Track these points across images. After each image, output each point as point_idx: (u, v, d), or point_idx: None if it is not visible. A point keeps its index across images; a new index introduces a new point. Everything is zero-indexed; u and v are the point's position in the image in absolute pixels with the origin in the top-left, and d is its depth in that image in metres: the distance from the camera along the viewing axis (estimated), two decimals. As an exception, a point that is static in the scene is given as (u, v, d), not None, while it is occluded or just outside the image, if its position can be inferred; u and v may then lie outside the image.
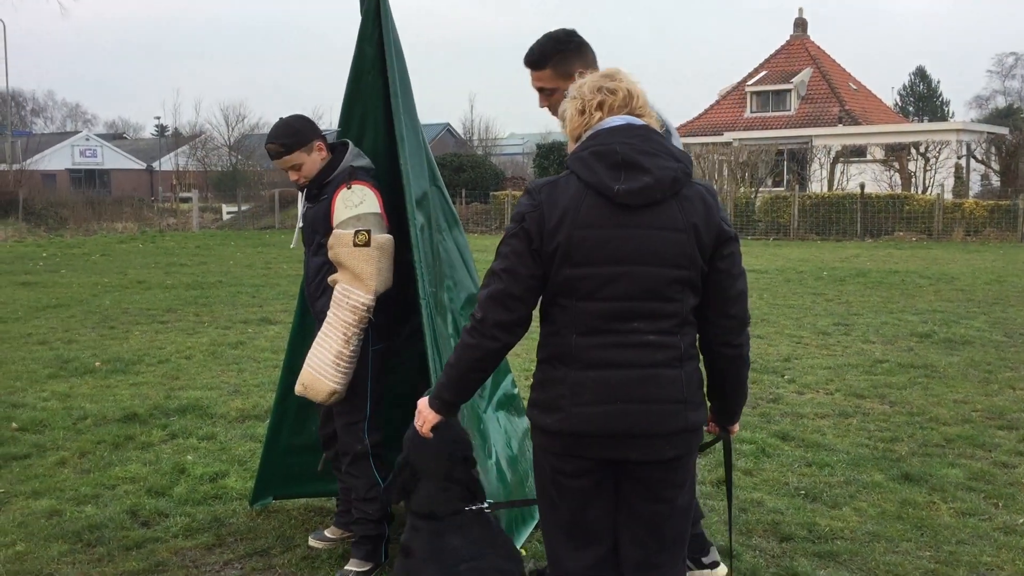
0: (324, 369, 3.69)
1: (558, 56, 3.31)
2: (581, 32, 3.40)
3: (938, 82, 62.74)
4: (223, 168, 48.96)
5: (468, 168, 32.76)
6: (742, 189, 27.78)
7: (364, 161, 3.81)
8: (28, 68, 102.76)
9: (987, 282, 14.22)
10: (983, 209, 24.28)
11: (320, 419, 4.08)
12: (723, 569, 3.74)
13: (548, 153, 31.84)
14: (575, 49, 3.33)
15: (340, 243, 3.63)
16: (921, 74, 62.84)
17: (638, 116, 2.55)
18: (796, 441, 5.75)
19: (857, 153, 31.83)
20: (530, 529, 4.07)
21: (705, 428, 2.73)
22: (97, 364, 8.11)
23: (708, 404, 2.74)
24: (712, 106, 42.40)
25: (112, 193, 45.97)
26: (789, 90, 39.88)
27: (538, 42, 3.35)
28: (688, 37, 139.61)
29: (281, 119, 3.78)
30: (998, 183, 29.98)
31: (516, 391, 4.46)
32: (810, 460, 5.36)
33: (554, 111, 3.42)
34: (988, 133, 32.81)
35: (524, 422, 4.29)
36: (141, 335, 9.78)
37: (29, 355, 8.58)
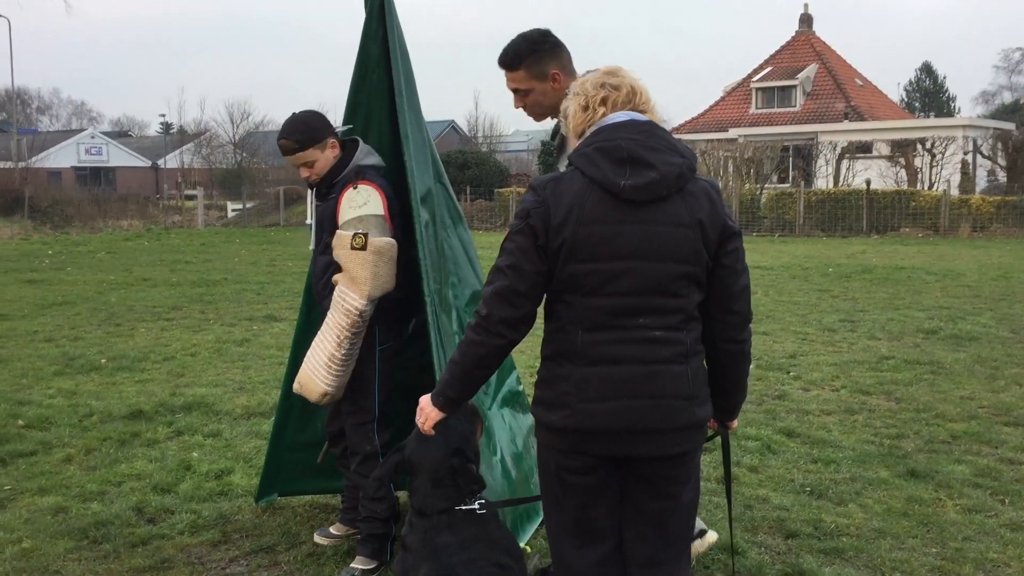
0: (317, 370, 3.69)
1: (532, 57, 3.29)
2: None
3: (944, 78, 62.68)
4: (228, 166, 49.01)
5: (473, 165, 32.76)
6: (747, 185, 27.73)
7: (374, 159, 3.79)
8: (33, 66, 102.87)
9: (994, 278, 14.18)
10: (990, 205, 24.20)
11: (328, 415, 4.08)
12: (713, 535, 3.74)
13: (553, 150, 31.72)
14: (549, 50, 3.31)
15: (340, 244, 3.62)
16: (927, 70, 62.70)
17: (641, 112, 2.55)
18: (802, 438, 5.74)
19: (863, 149, 31.73)
20: (535, 526, 4.07)
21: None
22: (103, 361, 8.13)
23: None
24: (717, 102, 42.32)
25: (117, 191, 46.04)
26: (794, 86, 39.79)
27: (512, 42, 3.31)
28: (693, 33, 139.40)
29: (294, 114, 3.74)
30: (1004, 179, 29.87)
31: (521, 388, 4.46)
32: (816, 457, 5.35)
33: (529, 112, 3.41)
34: (994, 129, 32.66)
35: (529, 419, 4.29)
36: (147, 332, 9.80)
37: (35, 352, 8.60)
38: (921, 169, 28.69)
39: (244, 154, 50.14)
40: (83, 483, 4.94)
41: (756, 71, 42.00)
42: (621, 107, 2.53)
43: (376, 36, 3.77)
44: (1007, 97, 62.36)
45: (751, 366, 2.72)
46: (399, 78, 3.75)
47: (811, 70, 40.14)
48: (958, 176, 29.71)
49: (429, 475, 2.79)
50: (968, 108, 64.14)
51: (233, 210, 37.66)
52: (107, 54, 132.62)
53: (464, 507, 2.77)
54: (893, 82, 73.03)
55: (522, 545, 3.81)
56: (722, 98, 42.43)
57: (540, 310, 2.57)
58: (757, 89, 40.85)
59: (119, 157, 58.72)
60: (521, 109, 3.45)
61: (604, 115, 2.53)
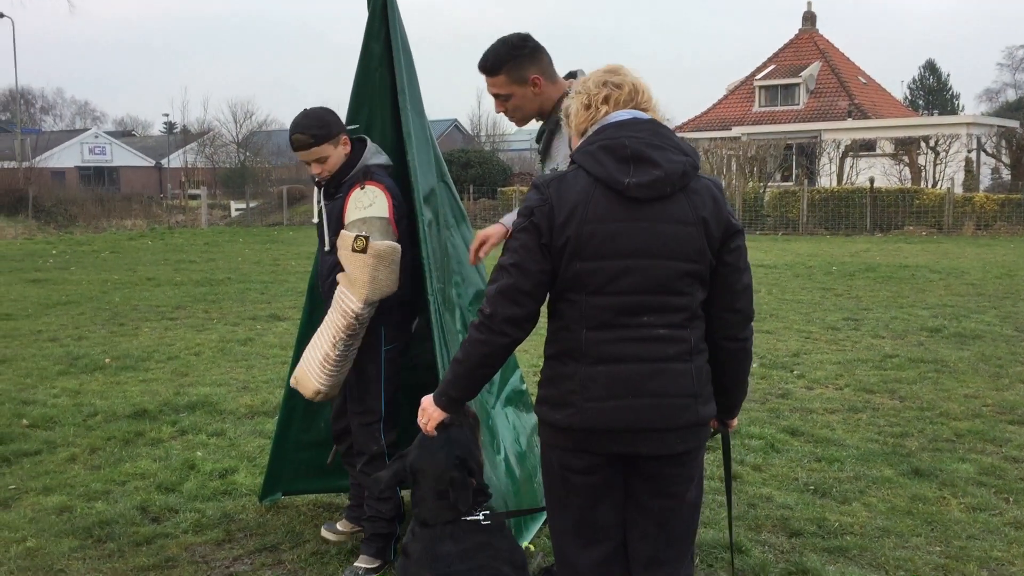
0: (313, 368, 3.69)
1: (512, 62, 3.28)
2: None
3: (948, 75, 62.49)
4: (231, 165, 49.07)
5: (476, 164, 32.75)
6: (751, 184, 27.69)
7: (383, 158, 3.78)
8: (37, 66, 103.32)
9: (998, 276, 14.15)
10: (993, 203, 24.16)
11: (333, 413, 4.08)
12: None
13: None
14: (529, 54, 3.30)
15: (342, 245, 3.61)
16: (931, 67, 62.56)
17: (643, 111, 2.54)
18: (805, 436, 5.74)
19: (866, 147, 31.67)
20: (538, 525, 4.07)
21: None
22: (107, 361, 8.14)
23: None
24: (720, 101, 42.28)
25: (121, 190, 46.12)
26: (798, 84, 39.73)
27: (491, 47, 3.30)
28: (695, 32, 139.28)
29: (307, 110, 3.72)
30: (1009, 177, 29.81)
31: (524, 386, 4.46)
32: (819, 455, 5.34)
33: (511, 116, 3.40)
34: (998, 126, 32.61)
35: (533, 418, 4.28)
36: (150, 332, 9.81)
37: (39, 352, 8.62)
38: (925, 167, 28.63)
39: (247, 153, 50.18)
40: (87, 482, 4.95)
41: (759, 69, 41.95)
42: (623, 105, 2.53)
43: (379, 35, 3.77)
44: (1011, 95, 62.23)
45: (753, 365, 2.72)
46: (402, 77, 3.75)
47: (814, 68, 40.08)
48: (962, 174, 29.66)
49: (432, 485, 2.75)
50: (972, 106, 64.04)
51: (236, 209, 37.71)
52: (110, 54, 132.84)
53: (469, 519, 2.75)
54: (897, 80, 73.01)
55: (526, 544, 3.82)
56: (725, 96, 42.39)
57: (542, 308, 2.57)
58: (760, 87, 40.80)
59: (123, 157, 58.80)
60: (503, 114, 3.45)
61: (607, 113, 2.53)
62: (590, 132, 2.54)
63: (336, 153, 3.69)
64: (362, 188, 3.65)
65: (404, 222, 3.72)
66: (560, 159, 3.36)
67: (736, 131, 36.33)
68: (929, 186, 27.35)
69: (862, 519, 4.38)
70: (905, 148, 29.62)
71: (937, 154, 28.27)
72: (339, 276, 3.66)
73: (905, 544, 4.11)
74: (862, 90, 40.34)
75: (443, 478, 2.74)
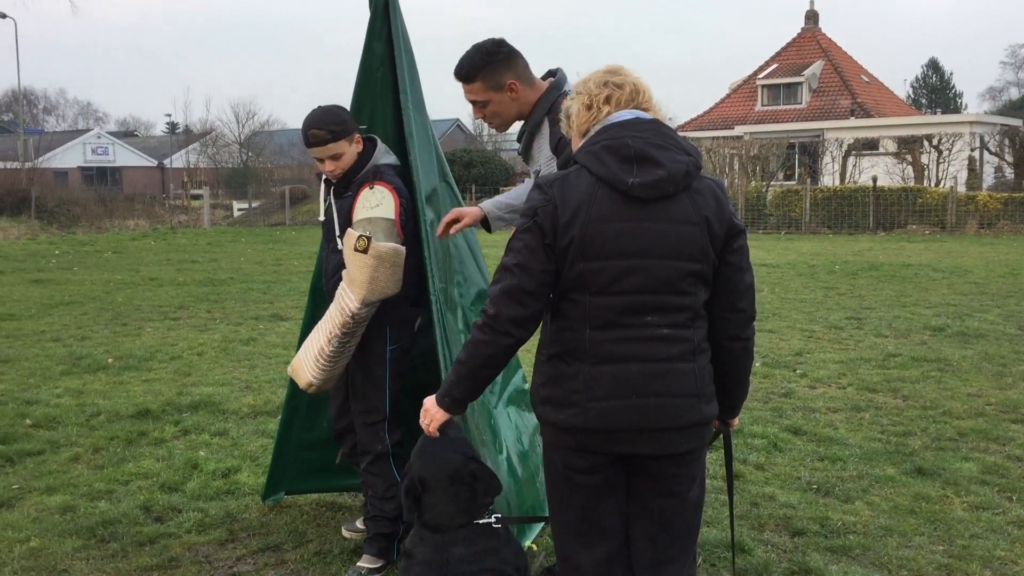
0: (308, 360, 3.73)
1: (487, 69, 3.27)
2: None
3: (951, 74, 62.44)
4: (234, 165, 49.09)
5: (478, 164, 32.77)
6: (753, 183, 27.68)
7: (391, 158, 3.79)
8: (39, 66, 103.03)
9: (1001, 275, 14.14)
10: (997, 202, 24.13)
11: (334, 412, 4.08)
12: None
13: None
14: (504, 60, 3.29)
15: (346, 243, 3.62)
16: (934, 66, 62.49)
17: (644, 110, 2.54)
18: (808, 435, 5.73)
19: (869, 146, 31.65)
20: (540, 525, 4.07)
21: None
22: (110, 361, 8.15)
23: None
24: (723, 100, 42.25)
25: (124, 190, 46.11)
26: (800, 83, 39.69)
27: (466, 54, 3.30)
28: (698, 30, 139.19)
29: (322, 106, 3.71)
30: (1012, 175, 29.78)
31: (527, 386, 4.46)
32: (822, 454, 5.34)
33: (490, 122, 3.40)
34: (1001, 125, 32.56)
35: (535, 417, 4.29)
36: (153, 332, 9.82)
37: (42, 352, 8.63)
38: (928, 166, 28.61)
39: (250, 153, 50.22)
40: (91, 482, 4.95)
41: (762, 68, 41.92)
42: (625, 105, 2.53)
43: (380, 34, 3.77)
44: (1014, 93, 62.19)
45: (755, 364, 2.72)
46: (403, 76, 3.75)
47: (817, 67, 40.04)
48: (965, 173, 29.61)
49: (446, 488, 2.71)
50: (975, 104, 63.97)
51: (239, 209, 37.73)
52: (113, 54, 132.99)
53: (481, 522, 2.73)
54: (899, 79, 72.69)
55: (528, 544, 3.82)
56: (728, 95, 42.36)
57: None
58: (763, 86, 40.77)
59: (125, 157, 58.84)
60: (482, 120, 3.45)
61: (608, 114, 2.53)
62: (592, 132, 2.54)
63: (350, 151, 3.70)
64: (371, 188, 3.66)
65: (411, 223, 3.72)
66: (543, 161, 3.35)
67: (739, 130, 36.30)
68: (932, 185, 27.33)
69: (865, 518, 4.38)
70: (908, 147, 29.59)
71: (940, 153, 28.24)
72: (343, 273, 3.67)
73: (908, 543, 4.11)
74: (865, 89, 40.30)
75: (461, 475, 2.72)
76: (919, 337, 9.05)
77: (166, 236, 26.06)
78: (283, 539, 4.23)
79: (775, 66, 41.40)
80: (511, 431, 4.12)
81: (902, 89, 56.62)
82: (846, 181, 29.13)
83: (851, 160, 30.19)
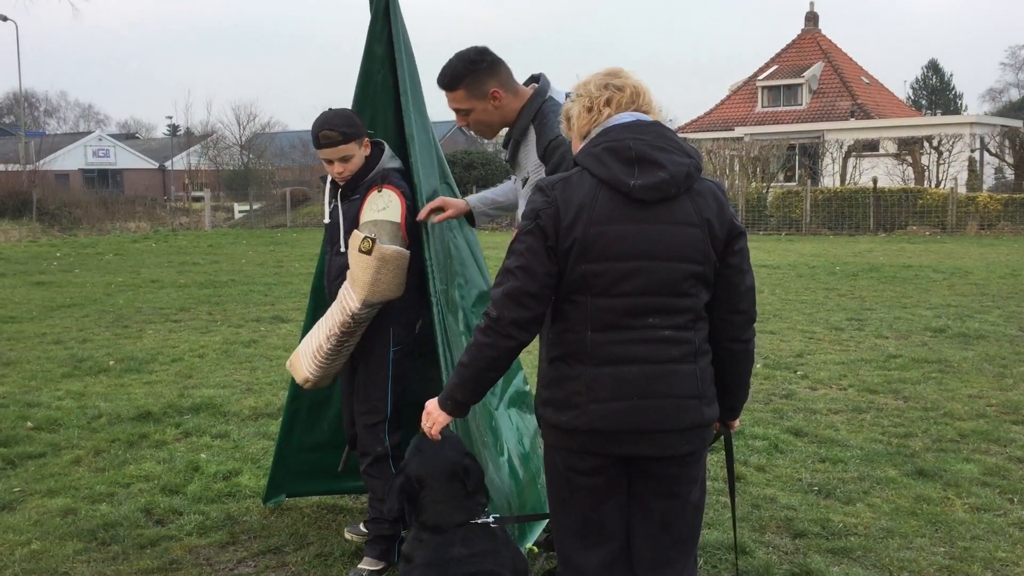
0: (306, 356, 3.76)
1: (470, 77, 3.28)
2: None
3: (951, 75, 62.49)
4: (235, 167, 49.12)
5: (479, 165, 32.76)
6: (754, 184, 27.68)
7: (397, 162, 3.82)
8: (41, 69, 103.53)
9: (1001, 276, 14.13)
10: (997, 203, 24.12)
11: (347, 418, 4.08)
12: None
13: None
14: (487, 68, 3.29)
15: (351, 244, 3.64)
16: (934, 67, 62.53)
17: (644, 113, 2.54)
18: (809, 437, 5.73)
19: (869, 147, 31.64)
20: (542, 526, 4.06)
21: None
22: (111, 363, 8.15)
23: None
24: (723, 101, 42.26)
25: (125, 193, 46.14)
26: (800, 84, 39.70)
27: (449, 63, 3.30)
28: (698, 32, 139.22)
29: (332, 109, 3.74)
30: (1012, 176, 29.76)
31: (528, 388, 4.46)
32: (823, 456, 5.34)
33: (474, 130, 3.41)
34: (1002, 126, 32.54)
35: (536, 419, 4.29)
36: (155, 334, 9.82)
37: (44, 354, 8.63)
38: (928, 167, 28.61)
39: (251, 155, 50.25)
40: (92, 485, 4.96)
41: (762, 69, 41.93)
42: (625, 108, 2.53)
43: (381, 37, 3.77)
44: (1014, 94, 62.22)
45: (756, 365, 2.72)
46: (404, 79, 3.76)
47: (817, 68, 40.05)
48: (965, 174, 29.61)
49: (443, 484, 2.73)
50: (975, 105, 64.02)
51: (240, 211, 37.73)
52: (114, 57, 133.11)
53: (479, 521, 2.74)
54: (899, 80, 72.91)
55: (529, 545, 3.81)
56: (728, 97, 42.38)
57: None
58: (763, 88, 40.78)
59: (126, 159, 58.88)
60: (466, 128, 3.46)
61: (609, 116, 2.53)
62: (593, 134, 2.54)
63: (359, 154, 3.72)
64: (379, 191, 3.69)
65: (413, 225, 3.73)
66: (530, 168, 3.36)
67: (739, 131, 36.30)
68: (932, 186, 27.32)
69: (866, 520, 4.38)
70: (908, 148, 29.59)
71: (940, 154, 28.24)
72: (347, 273, 3.69)
73: (909, 545, 4.10)
74: (865, 90, 40.31)
75: (456, 472, 2.73)
76: (920, 338, 9.05)
77: (167, 238, 26.07)
78: (284, 541, 4.23)
79: (775, 67, 41.42)
80: (512, 433, 4.12)
81: (902, 90, 56.60)
82: (846, 182, 29.13)
83: (851, 161, 30.19)
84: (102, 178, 54.49)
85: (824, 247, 20.73)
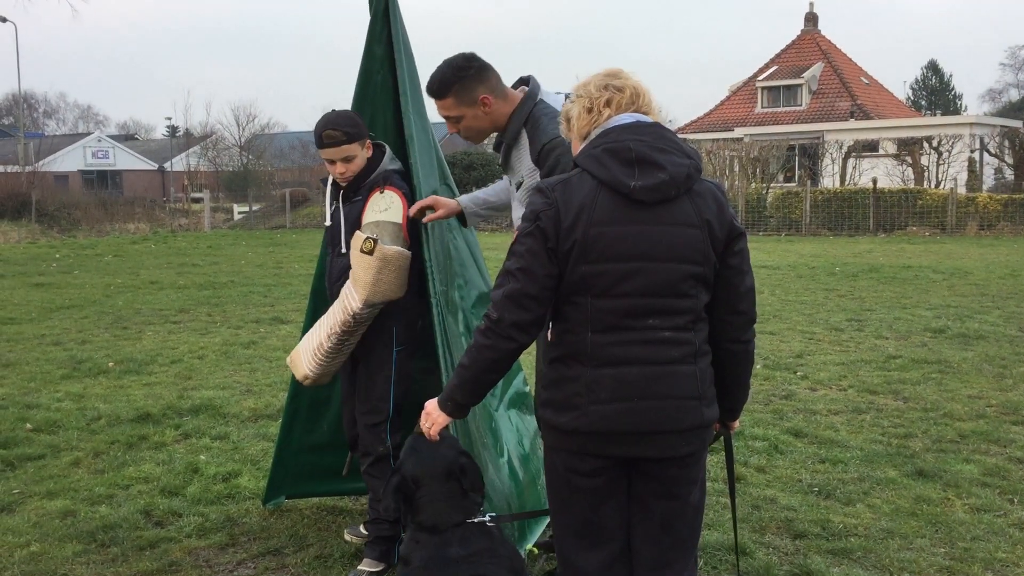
0: (306, 353, 3.78)
1: (459, 84, 3.27)
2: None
3: (950, 76, 62.49)
4: (234, 168, 49.15)
5: (478, 166, 32.75)
6: (753, 185, 27.68)
7: (398, 164, 3.83)
8: (40, 70, 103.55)
9: (1001, 276, 14.13)
10: (997, 203, 24.12)
11: (347, 419, 4.08)
12: None
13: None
14: (475, 74, 3.29)
15: (353, 245, 3.65)
16: (933, 68, 62.54)
17: (644, 114, 2.54)
18: (809, 438, 5.73)
19: (869, 148, 31.65)
20: (542, 527, 4.06)
21: None
22: (110, 365, 8.14)
23: None
24: (723, 102, 42.28)
25: (124, 194, 46.15)
26: (800, 85, 39.72)
27: (438, 70, 3.30)
28: (697, 33, 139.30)
29: (335, 110, 3.75)
30: (1012, 177, 29.77)
31: (528, 389, 4.46)
32: (823, 457, 5.33)
33: (465, 136, 3.41)
34: (1001, 126, 32.56)
35: (536, 420, 4.28)
36: (154, 335, 9.82)
37: (43, 356, 8.62)
38: (928, 167, 28.61)
39: (250, 156, 50.26)
40: (91, 486, 4.95)
41: (761, 70, 41.94)
42: (625, 109, 2.53)
43: (380, 37, 3.77)
44: (1014, 95, 62.21)
45: (756, 366, 2.72)
46: (404, 79, 3.75)
47: (817, 69, 40.07)
48: (965, 174, 29.63)
49: (439, 484, 2.72)
50: (975, 106, 64.00)
51: (239, 212, 37.73)
52: (113, 58, 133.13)
53: (476, 519, 2.74)
54: (899, 80, 73.03)
55: (529, 546, 3.81)
56: (728, 97, 42.39)
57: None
58: (763, 88, 40.79)
59: (125, 160, 58.86)
60: (456, 134, 3.46)
61: (609, 117, 2.53)
62: (593, 135, 2.54)
63: (361, 155, 3.74)
64: (382, 192, 3.70)
65: (413, 226, 3.74)
66: (524, 172, 3.35)
67: (739, 132, 36.31)
68: (932, 186, 27.32)
69: (866, 520, 4.38)
70: (908, 148, 29.60)
71: (940, 154, 28.24)
72: (350, 274, 3.70)
73: (909, 546, 4.10)
74: (864, 91, 40.32)
75: (452, 471, 2.73)
76: (920, 339, 9.05)
77: (166, 239, 26.06)
78: (284, 543, 4.23)
79: (775, 68, 41.43)
80: (512, 434, 4.11)
81: (902, 91, 56.62)
82: (846, 183, 29.14)
83: (851, 162, 30.20)
84: (101, 179, 54.47)
85: (824, 248, 20.73)
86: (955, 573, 3.84)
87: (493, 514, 2.79)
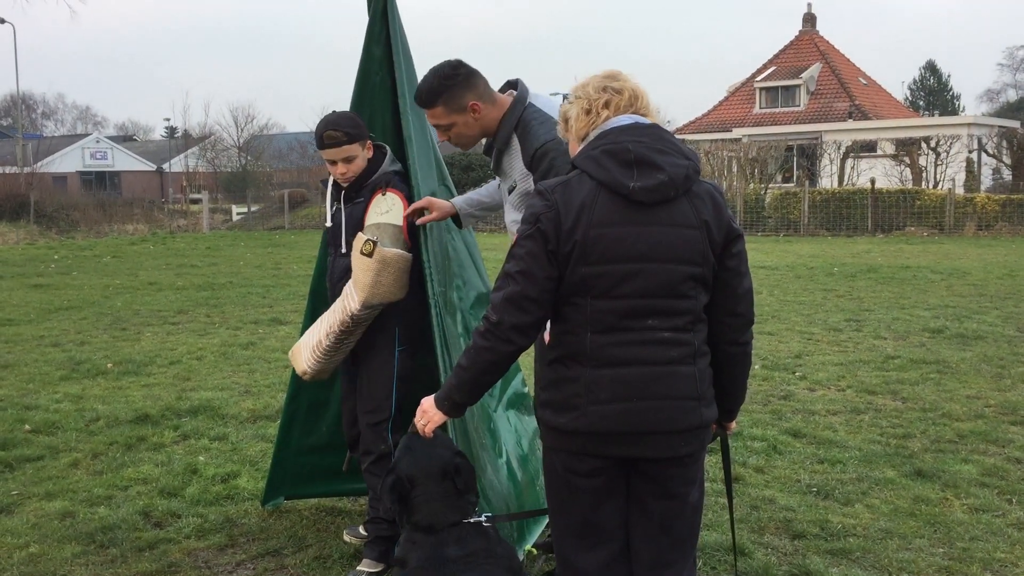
0: (305, 349, 3.82)
1: (447, 92, 3.26)
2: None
3: (948, 76, 62.50)
4: (233, 169, 49.14)
5: (477, 167, 32.74)
6: (752, 185, 27.69)
7: (398, 166, 3.84)
8: (38, 71, 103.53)
9: (999, 276, 14.15)
10: (995, 203, 24.15)
11: (348, 419, 4.08)
12: None
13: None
14: (463, 82, 3.28)
15: (354, 246, 3.67)
16: (931, 68, 62.57)
17: (642, 116, 2.55)
18: (808, 438, 5.73)
19: (867, 148, 31.69)
20: (541, 527, 4.06)
21: None
22: (109, 366, 8.14)
23: None
24: (721, 102, 42.31)
25: (123, 195, 46.11)
26: (798, 85, 39.75)
27: (425, 80, 3.29)
28: (695, 34, 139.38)
29: (336, 111, 3.76)
30: (1010, 177, 29.81)
31: (526, 389, 4.46)
32: (822, 457, 5.34)
33: (455, 143, 3.40)
34: (999, 127, 32.62)
35: (535, 421, 4.28)
36: (152, 336, 9.81)
37: (41, 357, 8.62)
38: (926, 168, 28.64)
39: (249, 157, 50.25)
40: (90, 487, 4.95)
41: (760, 71, 41.98)
42: (624, 110, 2.53)
43: (379, 38, 3.78)
44: (1012, 95, 62.24)
45: (754, 366, 2.72)
46: (402, 80, 3.76)
47: (815, 69, 40.10)
48: (963, 175, 29.66)
49: (435, 483, 2.72)
50: (973, 106, 64.08)
51: (238, 213, 37.72)
52: (111, 59, 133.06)
53: (472, 520, 2.73)
54: (897, 81, 73.04)
55: (528, 547, 3.81)
56: (726, 98, 42.42)
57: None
58: (761, 89, 40.83)
59: (124, 161, 58.84)
60: (447, 142, 3.45)
61: (607, 118, 2.53)
62: (591, 137, 2.54)
63: (362, 156, 3.75)
64: (383, 194, 3.71)
65: (415, 231, 3.75)
66: (517, 176, 3.35)
67: (737, 133, 36.34)
68: (930, 187, 27.35)
69: (865, 521, 4.38)
70: (906, 149, 29.63)
71: (938, 155, 28.27)
72: (351, 275, 3.71)
73: (908, 546, 4.11)
74: (862, 91, 40.36)
75: (447, 470, 2.73)
76: (918, 339, 9.05)
77: (165, 240, 26.05)
78: (283, 544, 4.23)
79: (773, 69, 41.47)
80: (511, 435, 4.12)
81: (900, 91, 56.60)
82: (844, 183, 29.16)
83: (849, 162, 30.23)
84: (100, 180, 54.45)
85: (822, 248, 20.75)
86: (954, 573, 3.84)
87: (489, 514, 2.79)
